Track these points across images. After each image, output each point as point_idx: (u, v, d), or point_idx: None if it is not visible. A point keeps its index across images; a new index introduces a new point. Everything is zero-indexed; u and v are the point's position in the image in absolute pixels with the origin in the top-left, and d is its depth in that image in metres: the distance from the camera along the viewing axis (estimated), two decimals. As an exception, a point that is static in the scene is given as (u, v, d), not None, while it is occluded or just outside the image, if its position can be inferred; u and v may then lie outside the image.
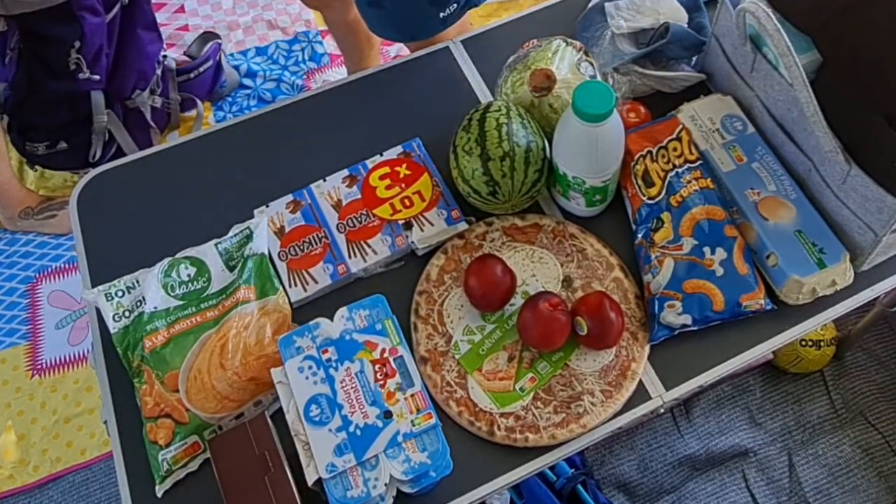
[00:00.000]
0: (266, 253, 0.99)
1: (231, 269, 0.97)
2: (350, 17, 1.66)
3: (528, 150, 0.96)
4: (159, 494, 0.88)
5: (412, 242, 1.01)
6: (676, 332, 0.93)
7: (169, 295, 0.95)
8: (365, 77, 1.19)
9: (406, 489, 0.81)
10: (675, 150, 1.00)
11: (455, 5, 1.16)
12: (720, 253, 0.94)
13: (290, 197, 1.05)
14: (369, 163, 1.07)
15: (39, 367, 1.75)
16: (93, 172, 1.12)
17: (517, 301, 0.96)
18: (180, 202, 1.08)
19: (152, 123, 1.94)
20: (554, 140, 0.96)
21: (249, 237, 0.99)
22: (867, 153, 0.87)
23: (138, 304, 0.93)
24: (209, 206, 1.07)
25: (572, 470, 1.45)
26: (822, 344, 1.59)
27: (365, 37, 1.74)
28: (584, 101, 0.88)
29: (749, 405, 1.63)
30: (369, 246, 1.01)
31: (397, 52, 2.17)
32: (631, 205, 1.01)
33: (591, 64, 1.06)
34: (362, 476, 0.79)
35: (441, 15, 1.16)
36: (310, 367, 0.84)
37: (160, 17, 2.15)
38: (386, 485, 0.79)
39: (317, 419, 0.81)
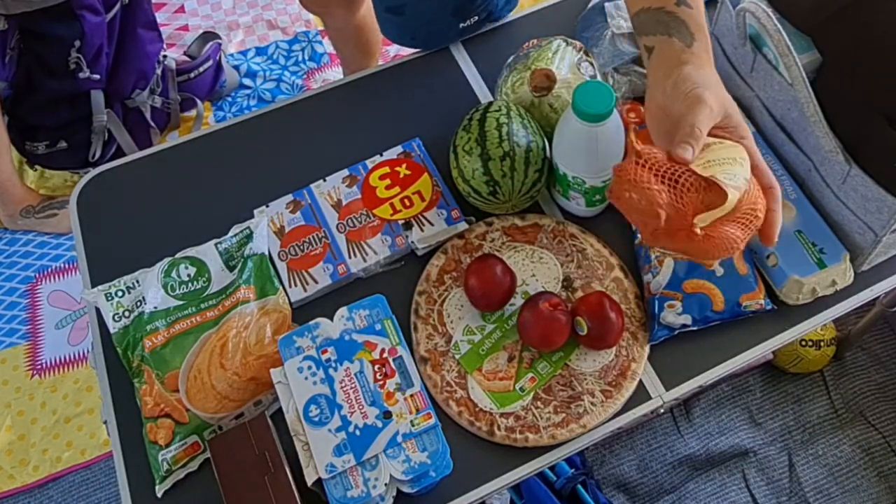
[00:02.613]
0: (266, 253, 0.99)
1: (231, 269, 0.97)
2: (351, 25, 1.65)
3: (529, 150, 0.96)
4: (159, 494, 0.88)
5: (412, 242, 1.01)
6: (676, 332, 0.93)
7: (169, 295, 0.95)
8: (365, 77, 1.19)
9: (406, 489, 0.81)
10: (675, 150, 1.00)
11: (476, 18, 1.16)
12: (720, 253, 0.94)
13: (290, 197, 1.05)
14: (369, 163, 1.07)
15: (39, 367, 1.75)
16: (93, 172, 1.12)
17: (517, 301, 0.96)
18: (180, 202, 1.08)
19: (152, 123, 1.94)
20: (554, 140, 0.96)
21: (249, 237, 0.99)
22: (867, 153, 0.87)
23: (138, 304, 0.93)
24: (209, 206, 1.07)
25: (572, 470, 1.45)
26: (822, 344, 1.59)
27: (364, 47, 1.73)
28: (584, 101, 0.88)
29: (749, 405, 1.63)
30: (369, 246, 1.01)
31: (396, 51, 2.17)
32: (631, 205, 1.00)
33: (591, 64, 1.06)
34: (362, 476, 0.79)
35: (461, 25, 1.16)
36: (309, 368, 0.84)
37: (160, 17, 2.16)
38: (386, 485, 0.79)
39: (316, 419, 0.81)
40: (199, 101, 2.05)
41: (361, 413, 0.81)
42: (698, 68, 0.75)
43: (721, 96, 0.74)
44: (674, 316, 0.92)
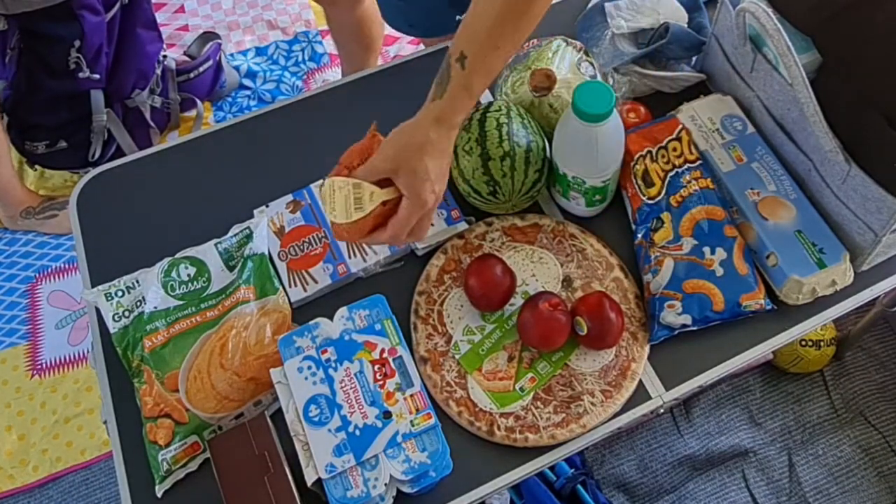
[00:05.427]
0: (266, 253, 0.99)
1: (231, 269, 0.97)
2: (354, 17, 1.65)
3: (529, 150, 0.96)
4: (159, 494, 0.88)
5: (412, 242, 1.01)
6: (676, 332, 0.93)
7: (169, 295, 0.94)
8: (365, 77, 1.19)
9: (406, 489, 0.81)
10: (674, 150, 1.00)
11: None
12: (720, 253, 0.94)
13: (290, 197, 1.05)
14: (369, 163, 1.07)
15: (39, 367, 1.75)
16: (93, 172, 1.12)
17: (517, 301, 0.96)
18: (180, 202, 1.08)
19: (152, 123, 1.94)
20: (554, 140, 0.96)
21: (249, 237, 0.99)
22: (867, 153, 0.87)
23: (138, 304, 0.93)
24: (209, 206, 1.07)
25: (572, 470, 1.45)
26: (822, 344, 1.59)
27: (365, 41, 1.73)
28: (584, 101, 0.88)
29: (749, 405, 1.63)
30: (369, 246, 1.00)
31: (396, 52, 2.17)
32: (631, 205, 1.01)
33: (591, 64, 1.06)
34: (362, 476, 0.79)
35: (458, 18, 1.16)
36: (309, 368, 0.84)
37: (160, 17, 2.16)
38: (386, 485, 0.79)
39: (316, 419, 0.81)
40: (199, 101, 2.05)
41: (361, 413, 0.81)
42: (419, 123, 0.82)
43: (400, 157, 0.81)
44: (674, 316, 0.92)
